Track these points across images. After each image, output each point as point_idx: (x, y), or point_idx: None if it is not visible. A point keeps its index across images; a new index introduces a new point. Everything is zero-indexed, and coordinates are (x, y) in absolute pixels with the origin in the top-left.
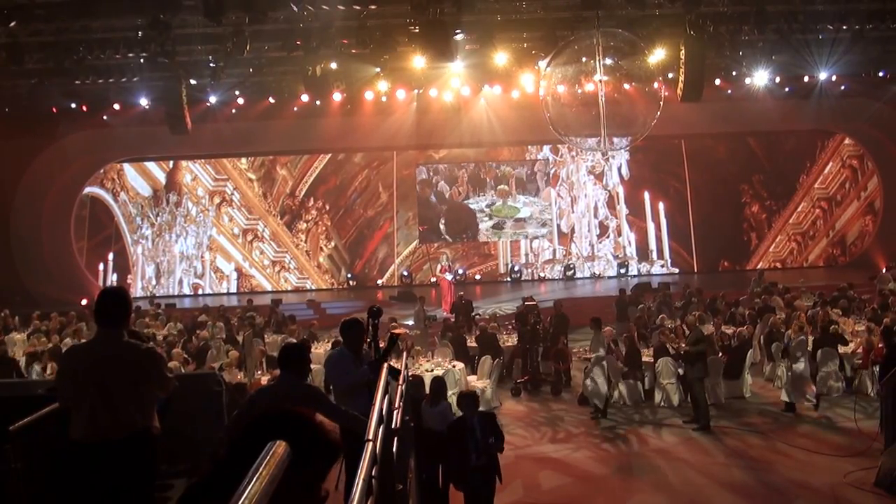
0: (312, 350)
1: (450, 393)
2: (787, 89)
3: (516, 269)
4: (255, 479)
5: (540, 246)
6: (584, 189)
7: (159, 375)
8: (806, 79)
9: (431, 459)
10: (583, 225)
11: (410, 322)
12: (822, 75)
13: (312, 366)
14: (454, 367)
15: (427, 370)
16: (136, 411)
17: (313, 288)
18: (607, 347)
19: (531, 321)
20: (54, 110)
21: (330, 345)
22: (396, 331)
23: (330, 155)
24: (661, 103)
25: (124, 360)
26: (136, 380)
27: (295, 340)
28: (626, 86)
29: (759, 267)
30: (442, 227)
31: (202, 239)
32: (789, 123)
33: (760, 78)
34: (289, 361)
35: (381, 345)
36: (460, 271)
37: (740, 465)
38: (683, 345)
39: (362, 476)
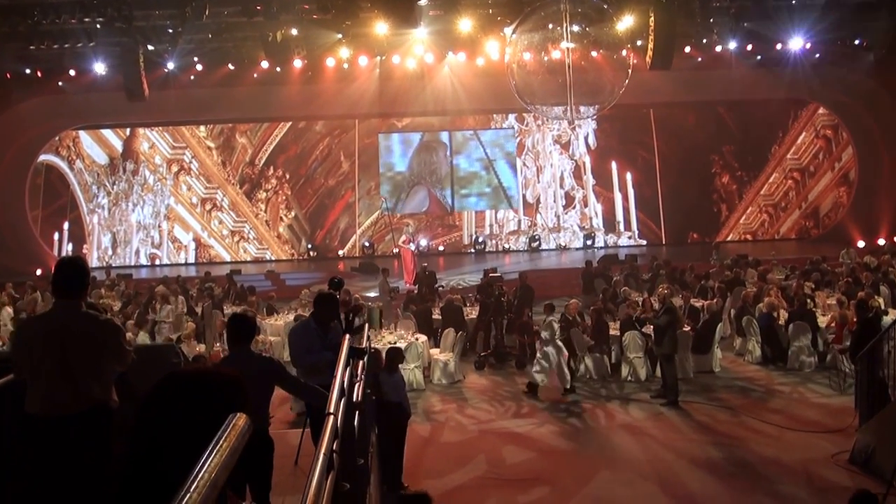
0: (271, 322)
1: (412, 366)
2: (758, 57)
3: (480, 240)
4: (214, 453)
5: (505, 217)
6: (550, 159)
7: (118, 347)
8: (779, 46)
9: (390, 432)
10: (548, 195)
11: (373, 294)
12: (796, 43)
13: (271, 338)
14: (417, 339)
15: (389, 343)
16: (95, 384)
17: (273, 259)
18: (572, 320)
19: (495, 293)
20: (8, 76)
21: (292, 317)
22: (358, 306)
23: (290, 123)
24: (630, 71)
25: (83, 332)
26: (94, 352)
27: (254, 312)
28: (594, 53)
29: (729, 238)
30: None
31: (159, 208)
32: (761, 92)
33: (731, 45)
34: (240, 335)
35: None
36: (423, 242)
37: (710, 442)
38: (651, 318)
39: (323, 451)
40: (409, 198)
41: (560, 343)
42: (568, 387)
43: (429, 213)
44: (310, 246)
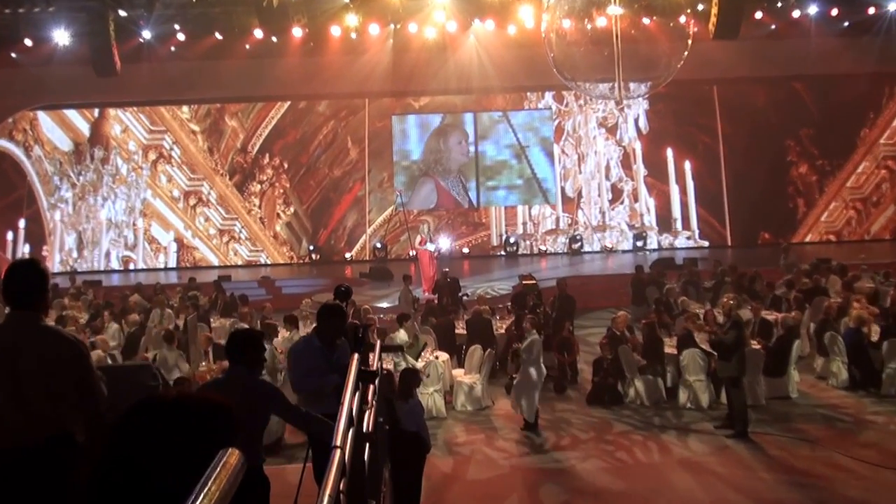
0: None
1: (431, 389)
2: (845, 23)
3: (512, 240)
4: (202, 496)
5: (540, 213)
6: (594, 145)
7: (83, 371)
8: (871, 10)
9: (406, 467)
10: (592, 188)
11: (386, 304)
12: (892, 6)
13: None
14: (437, 358)
15: (406, 362)
16: (54, 411)
17: (268, 262)
18: (620, 335)
19: (530, 304)
20: None
21: (288, 333)
22: (368, 320)
23: (289, 103)
24: (690, 41)
25: (40, 350)
26: (54, 374)
27: (247, 325)
28: (647, 20)
29: (808, 239)
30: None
31: (134, 203)
32: (847, 65)
33: (811, 10)
34: (239, 351)
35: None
36: (445, 244)
37: (785, 481)
38: (714, 333)
39: (328, 491)
40: (414, 192)
41: (542, 368)
42: (532, 421)
43: (447, 208)
44: (312, 248)
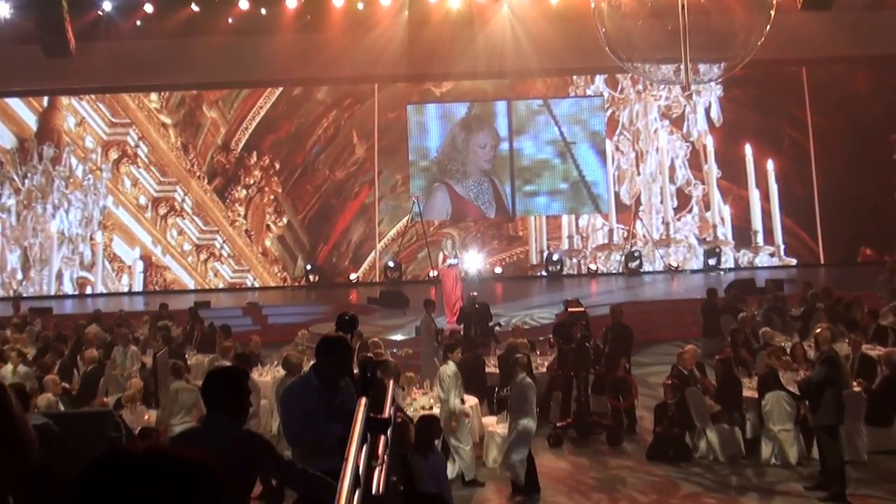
0: (255, 378)
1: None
2: None
3: (555, 258)
4: None
5: (590, 224)
6: (656, 140)
7: (11, 424)
8: None
9: None
10: (653, 193)
11: (400, 336)
12: None
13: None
14: (463, 403)
15: (423, 408)
16: None
17: (256, 285)
18: (688, 375)
19: (577, 336)
20: None
21: (281, 370)
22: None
23: (281, 90)
24: (773, 13)
25: None
26: None
27: (229, 363)
28: None
29: None
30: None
31: (92, 212)
32: None
33: None
34: (219, 394)
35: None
36: (473, 265)
37: None
38: (804, 372)
39: None
40: (428, 199)
41: (534, 418)
42: (522, 482)
43: (470, 219)
44: (309, 267)
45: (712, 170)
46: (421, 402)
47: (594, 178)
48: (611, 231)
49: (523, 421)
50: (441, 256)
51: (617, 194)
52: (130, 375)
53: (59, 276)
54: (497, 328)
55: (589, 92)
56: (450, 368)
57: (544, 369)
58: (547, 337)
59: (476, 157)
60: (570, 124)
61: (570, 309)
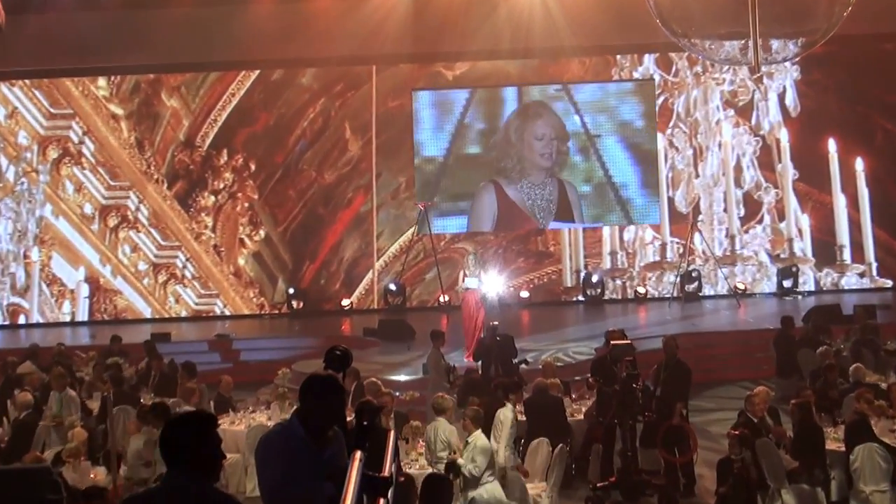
0: (225, 427)
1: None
2: None
3: (595, 279)
4: None
5: (638, 238)
6: (718, 134)
7: None
8: None
9: None
10: (715, 199)
11: (404, 377)
12: None
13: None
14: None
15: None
16: None
17: (227, 313)
18: (758, 423)
19: (621, 375)
20: None
21: (263, 418)
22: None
23: (257, 73)
24: None
25: None
26: None
27: (193, 407)
28: None
29: None
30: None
31: (26, 224)
32: None
33: None
34: (180, 448)
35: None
36: (494, 293)
37: None
38: None
39: None
40: (474, 203)
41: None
42: None
43: (511, 229)
44: (291, 291)
45: (787, 170)
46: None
47: (623, 178)
48: (663, 246)
49: (483, 489)
50: (462, 276)
51: (671, 200)
52: (73, 425)
53: None
54: (523, 366)
55: (636, 74)
56: (509, 412)
57: (581, 416)
58: (584, 377)
59: (531, 153)
60: (593, 113)
61: (612, 342)
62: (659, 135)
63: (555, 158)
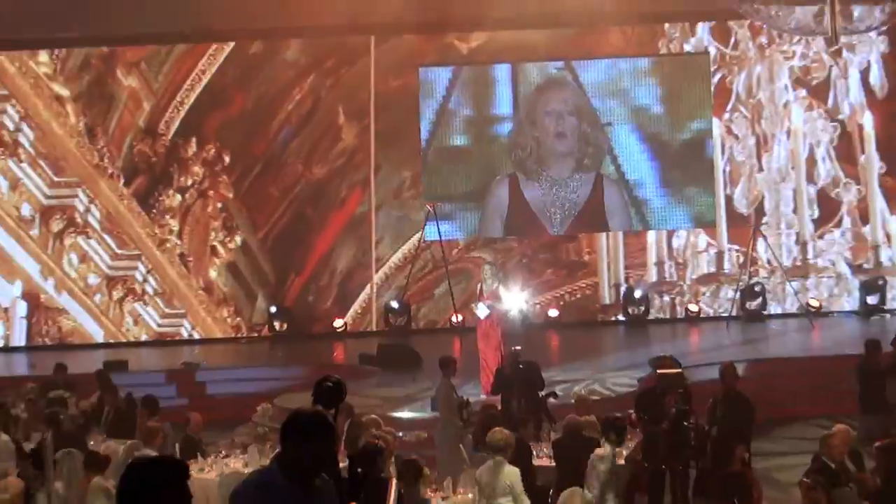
0: (194, 474)
1: None
2: None
3: (638, 294)
4: None
5: (689, 245)
6: (787, 119)
7: None
8: None
9: None
10: (783, 197)
11: (408, 413)
12: None
13: None
14: None
15: None
16: None
17: (195, 336)
18: (837, 468)
19: (671, 411)
20: None
21: (239, 465)
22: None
23: (232, 45)
24: None
25: None
26: None
27: (154, 452)
28: None
29: None
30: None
31: None
32: None
33: None
34: (143, 501)
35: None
36: (516, 311)
37: None
38: None
39: None
40: (486, 202)
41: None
42: None
43: (529, 235)
44: (274, 310)
45: (872, 163)
46: None
47: (638, 175)
48: (720, 254)
49: None
50: (479, 289)
51: (728, 200)
52: (6, 473)
53: None
54: (551, 400)
55: (688, 47)
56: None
57: (622, 461)
58: (626, 413)
59: (546, 136)
60: (603, 96)
61: (660, 371)
62: (714, 120)
63: (576, 144)
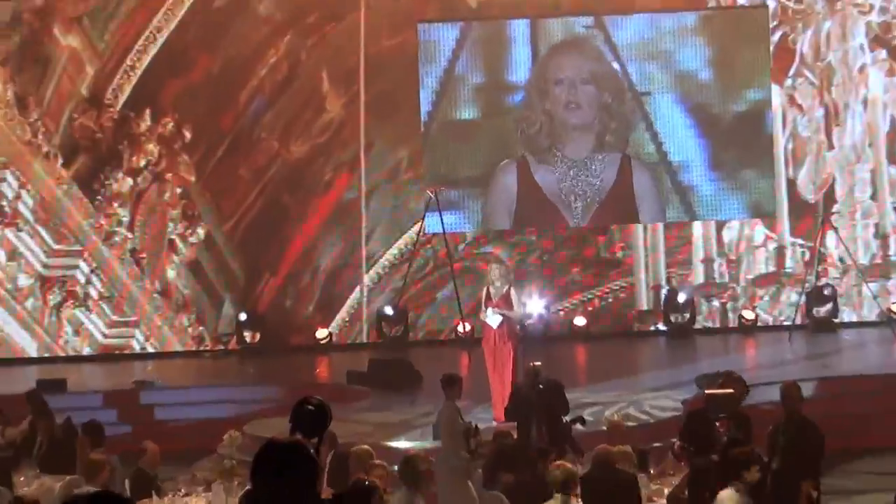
0: None
1: None
2: None
3: (682, 298)
4: None
5: (743, 238)
6: (864, 86)
7: None
8: None
9: None
10: (858, 181)
11: (403, 442)
12: None
13: None
14: None
15: None
16: None
17: (149, 350)
18: None
19: (721, 440)
20: None
21: (200, 501)
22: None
23: None
24: None
25: None
26: None
27: (98, 489)
28: None
29: None
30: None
31: None
32: None
33: None
34: None
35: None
36: (534, 314)
37: None
38: None
39: None
40: (489, 191)
41: None
42: None
43: (546, 227)
44: (244, 318)
45: None
46: None
47: (683, 156)
48: (780, 250)
49: None
50: (485, 294)
51: (791, 184)
52: None
53: None
54: (578, 426)
55: (742, 0)
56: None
57: (664, 501)
58: (669, 442)
59: (556, 107)
60: (640, 60)
61: (708, 391)
62: (774, 87)
63: (595, 117)
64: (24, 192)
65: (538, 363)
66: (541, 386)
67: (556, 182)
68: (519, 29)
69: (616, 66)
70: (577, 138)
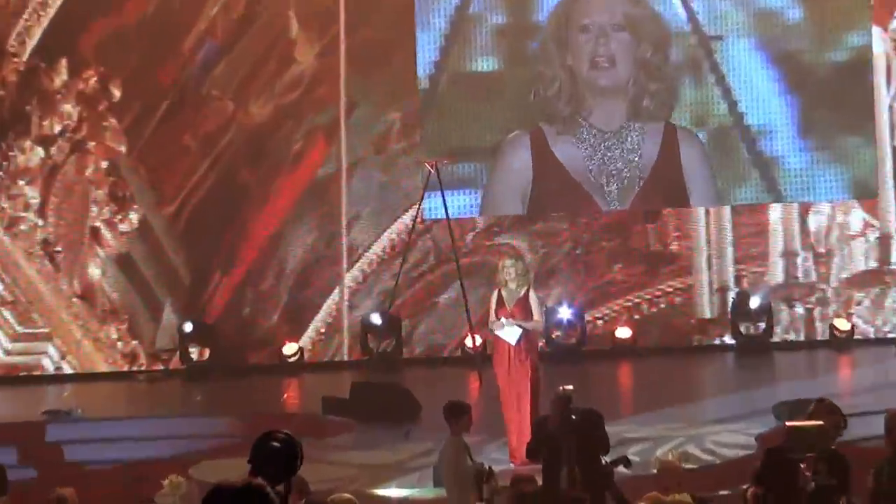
0: None
1: None
2: None
3: (756, 303)
4: None
5: (835, 225)
6: None
7: None
8: None
9: None
10: None
11: (395, 491)
12: None
13: None
14: None
15: None
16: None
17: (66, 369)
18: None
19: (810, 484)
20: None
21: None
22: None
23: None
24: None
25: None
26: None
27: None
28: None
29: None
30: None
31: None
32: None
33: None
34: None
35: None
36: (565, 316)
37: None
38: None
39: None
40: (494, 169)
41: None
42: None
43: (571, 212)
44: (189, 328)
45: None
46: None
47: (765, 119)
48: (884, 240)
49: None
50: (494, 299)
51: None
52: None
53: None
54: (622, 469)
55: None
56: None
57: None
58: (739, 490)
59: (581, 64)
60: (709, 2)
61: (790, 423)
62: (875, 30)
63: (630, 75)
64: None
65: (569, 387)
66: (573, 417)
67: (582, 159)
68: None
69: (661, 6)
70: (606, 104)
